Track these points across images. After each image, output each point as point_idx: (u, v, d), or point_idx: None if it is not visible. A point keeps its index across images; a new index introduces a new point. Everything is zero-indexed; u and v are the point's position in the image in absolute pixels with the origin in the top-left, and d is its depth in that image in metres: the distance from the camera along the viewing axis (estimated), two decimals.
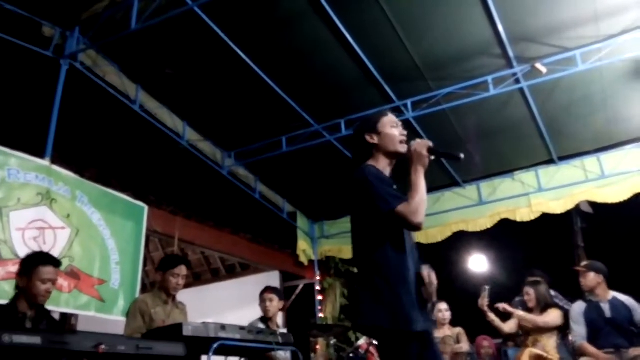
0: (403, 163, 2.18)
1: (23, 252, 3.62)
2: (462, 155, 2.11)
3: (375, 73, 5.31)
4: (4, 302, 3.04)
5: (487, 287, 4.38)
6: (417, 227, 1.98)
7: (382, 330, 1.95)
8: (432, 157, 2.10)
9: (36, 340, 2.00)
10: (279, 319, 4.54)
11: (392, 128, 2.24)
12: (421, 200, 1.99)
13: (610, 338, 3.87)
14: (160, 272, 3.66)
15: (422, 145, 2.09)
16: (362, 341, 4.83)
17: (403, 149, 2.19)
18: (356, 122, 5.90)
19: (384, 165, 2.21)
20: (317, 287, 8.31)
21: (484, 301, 4.33)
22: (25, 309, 2.85)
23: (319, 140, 6.18)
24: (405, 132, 2.25)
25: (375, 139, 2.22)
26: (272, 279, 8.30)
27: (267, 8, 4.59)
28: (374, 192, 2.03)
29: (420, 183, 2.03)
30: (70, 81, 4.73)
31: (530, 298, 4.35)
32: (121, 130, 5.52)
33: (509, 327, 4.43)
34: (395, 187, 2.10)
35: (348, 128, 6.00)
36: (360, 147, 2.26)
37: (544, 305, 4.29)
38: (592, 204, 7.20)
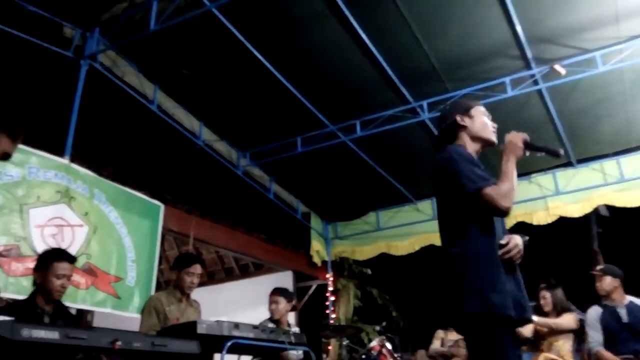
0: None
1: (42, 249, 3.67)
2: (561, 152, 2.10)
3: (391, 74, 5.29)
4: (23, 297, 3.10)
5: None
6: (505, 212, 1.94)
7: (473, 317, 1.87)
8: (527, 152, 2.09)
9: (54, 335, 2.03)
10: (290, 319, 4.54)
11: (484, 116, 2.25)
12: (512, 186, 1.96)
13: (628, 344, 3.79)
14: (175, 270, 3.70)
15: (517, 136, 2.09)
16: (375, 342, 4.82)
17: (494, 137, 2.21)
18: (371, 124, 5.91)
19: (471, 150, 2.19)
20: (330, 288, 8.31)
21: None
22: (43, 304, 2.90)
23: (334, 141, 6.18)
24: (495, 125, 2.26)
25: (466, 122, 2.22)
26: (285, 279, 8.32)
27: (283, 9, 4.61)
28: (461, 172, 1.98)
29: (513, 171, 2.01)
30: (90, 81, 4.79)
31: (546, 302, 4.29)
32: (139, 129, 5.58)
33: (528, 331, 4.37)
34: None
35: (363, 129, 6.00)
36: (448, 127, 2.25)
37: (560, 310, 4.23)
38: (610, 208, 7.09)
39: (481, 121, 2.23)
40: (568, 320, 4.16)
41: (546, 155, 2.15)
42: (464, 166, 1.99)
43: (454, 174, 2.00)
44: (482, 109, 2.28)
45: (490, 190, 1.92)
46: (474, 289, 1.88)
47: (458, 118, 2.22)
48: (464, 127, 2.22)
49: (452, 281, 1.96)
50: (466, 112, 2.24)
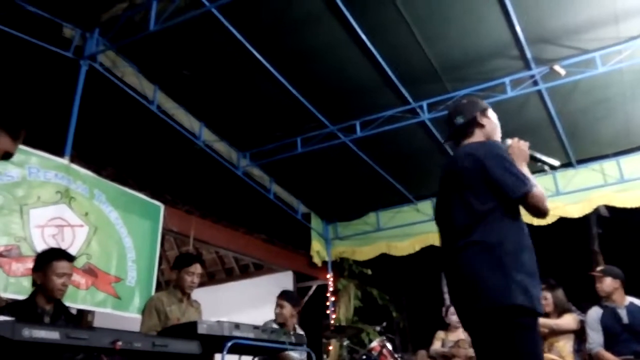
0: None
1: (42, 249, 3.67)
2: (557, 163, 2.22)
3: (391, 74, 5.29)
4: (24, 297, 3.10)
5: None
6: (547, 213, 1.99)
7: (516, 310, 1.85)
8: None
9: (54, 335, 2.03)
10: (295, 322, 4.51)
11: (497, 120, 2.33)
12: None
13: (628, 344, 3.79)
14: (176, 270, 3.70)
15: (524, 143, 2.19)
16: (375, 343, 4.82)
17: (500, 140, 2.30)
18: (371, 124, 5.91)
19: None
20: (330, 288, 8.31)
21: None
22: (44, 304, 2.90)
23: (334, 142, 6.19)
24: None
25: (484, 121, 2.28)
26: (286, 279, 8.32)
27: (283, 9, 4.61)
28: (509, 171, 2.00)
29: (530, 175, 2.04)
30: (90, 81, 4.80)
31: (547, 303, 4.28)
32: (139, 130, 5.58)
33: None
34: None
35: (363, 129, 6.00)
36: (466, 123, 2.28)
37: (560, 310, 4.23)
38: (610, 208, 7.09)
39: (494, 122, 2.31)
40: (569, 320, 4.16)
41: (542, 165, 2.27)
42: (512, 165, 2.03)
43: (497, 171, 2.01)
44: (494, 112, 2.35)
45: (537, 192, 1.96)
46: (518, 281, 1.87)
47: (478, 116, 2.27)
48: (482, 126, 2.26)
49: (484, 272, 1.93)
50: (484, 111, 2.30)
